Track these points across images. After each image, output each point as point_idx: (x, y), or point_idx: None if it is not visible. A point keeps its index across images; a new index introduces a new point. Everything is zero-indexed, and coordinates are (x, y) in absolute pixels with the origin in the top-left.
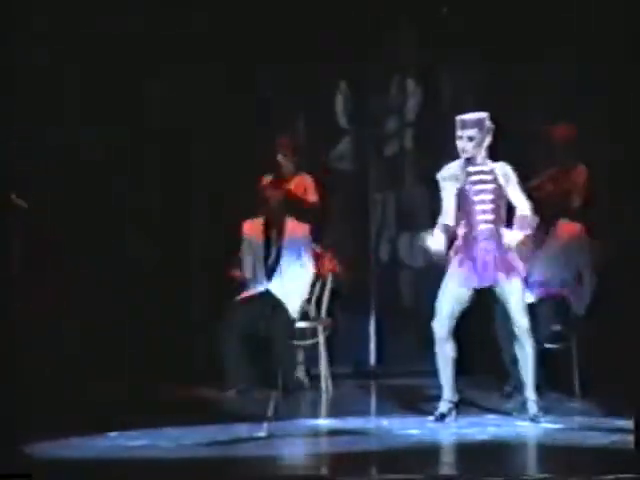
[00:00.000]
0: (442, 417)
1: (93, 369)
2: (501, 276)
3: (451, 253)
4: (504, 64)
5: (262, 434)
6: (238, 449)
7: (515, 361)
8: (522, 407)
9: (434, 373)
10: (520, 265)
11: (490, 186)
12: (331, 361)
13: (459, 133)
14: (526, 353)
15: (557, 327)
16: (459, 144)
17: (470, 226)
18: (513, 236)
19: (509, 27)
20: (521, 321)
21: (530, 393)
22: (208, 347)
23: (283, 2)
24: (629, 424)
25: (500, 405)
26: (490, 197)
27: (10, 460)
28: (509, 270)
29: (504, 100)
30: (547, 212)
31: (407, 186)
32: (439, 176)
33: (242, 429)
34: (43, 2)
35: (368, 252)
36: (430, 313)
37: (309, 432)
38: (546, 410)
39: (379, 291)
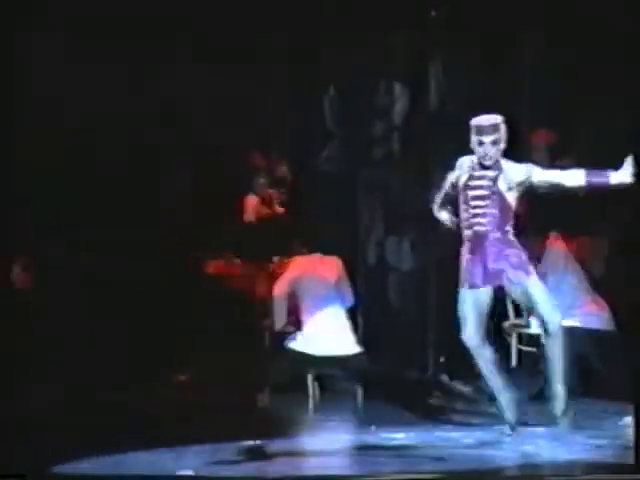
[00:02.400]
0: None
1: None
2: (519, 275)
3: (462, 257)
4: (493, 66)
5: None
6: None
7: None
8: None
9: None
10: (528, 261)
11: (486, 192)
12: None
13: (479, 139)
14: (557, 350)
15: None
16: (480, 150)
17: (473, 230)
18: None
19: (498, 29)
20: (553, 316)
21: (555, 392)
22: None
23: (271, 4)
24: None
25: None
26: (485, 202)
27: (4, 460)
28: (526, 269)
29: (493, 102)
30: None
31: (395, 189)
32: (458, 164)
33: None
34: None
35: (356, 255)
36: (418, 315)
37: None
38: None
39: (367, 294)
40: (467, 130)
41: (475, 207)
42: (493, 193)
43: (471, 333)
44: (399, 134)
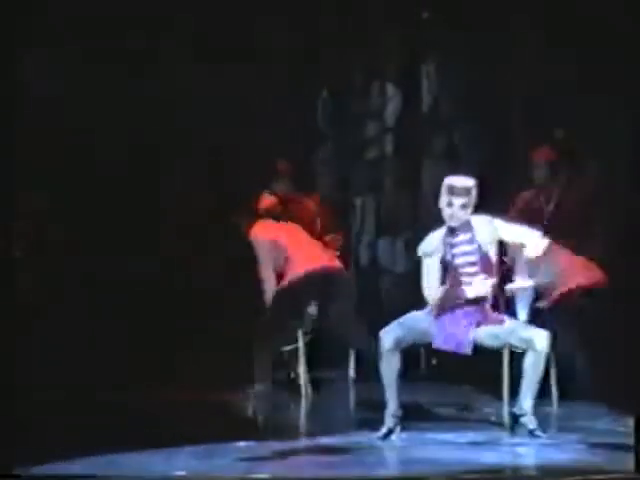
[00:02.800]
0: (389, 433)
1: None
2: (491, 327)
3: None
4: (485, 67)
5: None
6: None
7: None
8: (516, 422)
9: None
10: (503, 316)
11: (473, 258)
12: (310, 366)
13: (449, 200)
14: (539, 365)
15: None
16: (448, 211)
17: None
18: (514, 285)
19: (491, 31)
20: (541, 332)
21: (528, 406)
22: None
23: (266, 5)
24: None
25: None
26: (475, 269)
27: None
28: (497, 322)
29: (484, 104)
30: None
31: (387, 190)
32: (421, 252)
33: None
34: None
35: (348, 257)
36: None
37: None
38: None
39: (358, 295)
40: (460, 131)
41: (465, 275)
42: (478, 256)
43: (392, 337)
44: (392, 135)
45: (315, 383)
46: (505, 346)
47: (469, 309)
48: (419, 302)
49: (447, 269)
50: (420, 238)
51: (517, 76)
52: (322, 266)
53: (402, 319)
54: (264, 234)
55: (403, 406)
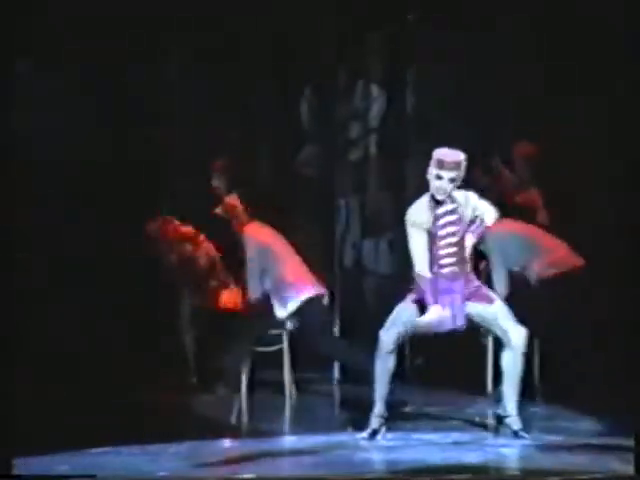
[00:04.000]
0: (374, 434)
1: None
2: (480, 305)
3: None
4: (470, 67)
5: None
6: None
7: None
8: (500, 423)
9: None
10: (494, 295)
11: (455, 228)
12: (295, 367)
13: (438, 173)
14: (518, 365)
15: None
16: (437, 184)
17: (434, 266)
18: (469, 239)
19: (475, 31)
20: (520, 330)
21: (512, 408)
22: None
23: (251, 6)
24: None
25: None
26: (456, 239)
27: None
28: (487, 299)
29: (471, 105)
30: None
31: (371, 191)
32: (408, 221)
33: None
34: None
35: (332, 257)
36: None
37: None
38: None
39: (343, 296)
40: (445, 131)
41: (447, 246)
42: (460, 227)
43: (392, 338)
44: (376, 136)
45: (299, 384)
46: (488, 330)
47: (457, 283)
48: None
49: (429, 241)
50: (404, 240)
51: (502, 76)
52: (308, 292)
53: (395, 316)
54: (257, 235)
55: (388, 406)
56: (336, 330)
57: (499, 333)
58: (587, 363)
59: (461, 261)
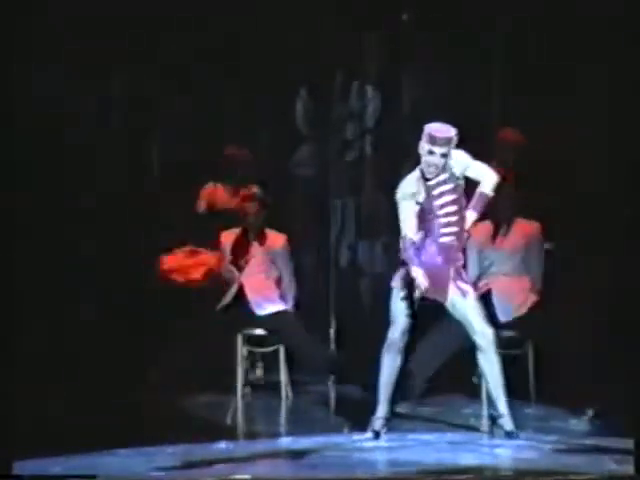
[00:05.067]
0: (377, 435)
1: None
2: (455, 293)
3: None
4: (465, 68)
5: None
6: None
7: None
8: (494, 423)
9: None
10: (470, 287)
11: (452, 197)
12: (291, 368)
13: (430, 148)
14: (493, 365)
15: (510, 332)
16: (429, 159)
17: (428, 238)
18: (469, 215)
19: (469, 31)
20: (486, 330)
21: (503, 408)
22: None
23: (246, 7)
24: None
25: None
26: (454, 208)
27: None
28: (463, 289)
29: (465, 105)
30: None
31: (367, 192)
32: (399, 194)
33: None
34: None
35: (328, 258)
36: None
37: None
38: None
39: (338, 297)
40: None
41: (446, 215)
42: (457, 195)
43: (399, 335)
44: (372, 137)
45: (295, 385)
46: (456, 317)
47: (452, 255)
48: None
49: (424, 214)
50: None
51: (496, 75)
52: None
53: (394, 315)
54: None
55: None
56: (332, 331)
57: (467, 329)
58: (582, 363)
59: (459, 234)
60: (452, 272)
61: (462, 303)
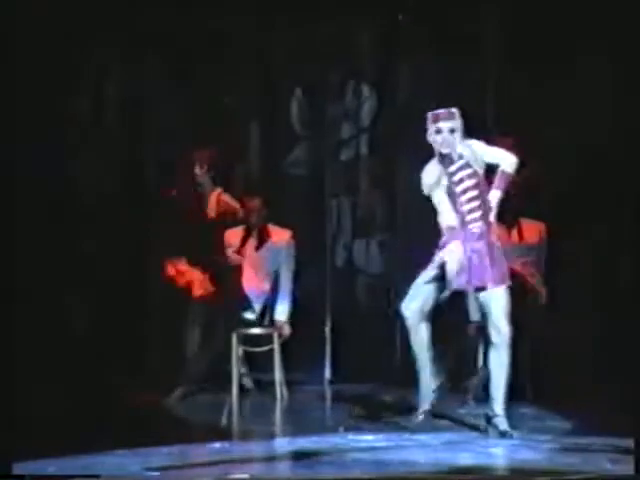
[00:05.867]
0: (429, 414)
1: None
2: (489, 281)
3: (438, 251)
4: (461, 67)
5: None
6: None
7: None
8: (489, 423)
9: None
10: (507, 272)
11: (473, 181)
12: (286, 368)
13: (437, 126)
14: (502, 364)
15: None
16: (439, 138)
17: (459, 225)
18: (493, 195)
19: (465, 30)
20: (504, 329)
21: (499, 408)
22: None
23: (242, 6)
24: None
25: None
26: (475, 193)
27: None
28: (497, 276)
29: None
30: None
31: (363, 191)
32: (424, 187)
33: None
34: None
35: (324, 257)
36: (386, 317)
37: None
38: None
39: (335, 296)
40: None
41: (469, 200)
42: (477, 179)
43: (410, 304)
44: (367, 136)
45: (290, 384)
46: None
47: (484, 242)
48: (393, 302)
49: (449, 197)
50: (396, 238)
51: (491, 75)
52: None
53: (414, 288)
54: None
55: (383, 406)
56: (327, 330)
57: (486, 320)
58: (577, 364)
59: (485, 217)
60: (486, 259)
61: (490, 292)
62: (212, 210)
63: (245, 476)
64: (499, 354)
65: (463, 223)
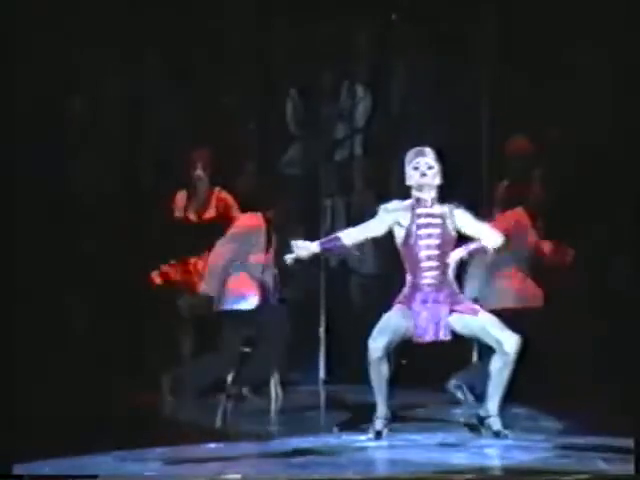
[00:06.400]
0: (378, 435)
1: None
2: (466, 317)
3: (396, 302)
4: (455, 67)
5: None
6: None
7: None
8: (482, 423)
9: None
10: (476, 306)
11: (437, 231)
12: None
13: (416, 161)
14: (506, 367)
15: None
16: (416, 175)
17: (415, 274)
18: (457, 252)
19: (459, 30)
20: (512, 338)
21: (494, 409)
22: None
23: (238, 7)
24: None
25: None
26: (437, 242)
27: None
28: (471, 311)
29: (455, 104)
30: None
31: (357, 191)
32: (382, 207)
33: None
34: None
35: (318, 257)
36: (379, 319)
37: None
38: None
39: (328, 296)
40: (430, 130)
41: (427, 248)
42: (442, 231)
43: (381, 345)
44: (361, 136)
45: (285, 385)
46: (474, 337)
47: (442, 294)
48: (387, 302)
49: (407, 240)
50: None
51: (486, 76)
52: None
53: (382, 325)
54: (248, 221)
55: (373, 408)
56: (322, 330)
57: (491, 343)
58: (582, 363)
59: (444, 269)
60: (448, 307)
61: (477, 322)
62: (212, 209)
63: (238, 476)
64: (507, 358)
65: (419, 270)
